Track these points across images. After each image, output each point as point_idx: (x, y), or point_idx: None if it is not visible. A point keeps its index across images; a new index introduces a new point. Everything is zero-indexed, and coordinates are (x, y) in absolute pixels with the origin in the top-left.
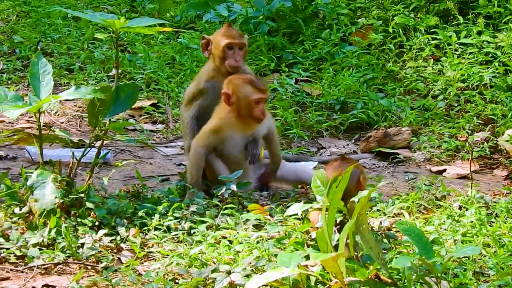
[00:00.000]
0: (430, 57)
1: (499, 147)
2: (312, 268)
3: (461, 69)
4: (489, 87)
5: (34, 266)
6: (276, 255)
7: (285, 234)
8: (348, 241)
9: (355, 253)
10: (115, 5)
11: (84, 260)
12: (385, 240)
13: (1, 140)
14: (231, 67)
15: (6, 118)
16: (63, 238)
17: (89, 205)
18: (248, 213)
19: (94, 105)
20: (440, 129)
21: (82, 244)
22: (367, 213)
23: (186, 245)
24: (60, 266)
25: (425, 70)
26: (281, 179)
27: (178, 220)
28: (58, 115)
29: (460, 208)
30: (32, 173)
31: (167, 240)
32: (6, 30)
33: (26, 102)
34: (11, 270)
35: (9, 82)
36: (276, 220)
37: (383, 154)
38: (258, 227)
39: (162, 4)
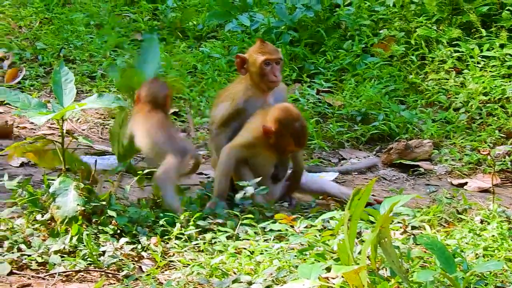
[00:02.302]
0: (452, 69)
1: None
2: (333, 280)
3: (483, 82)
4: (511, 100)
5: (55, 273)
6: (297, 267)
7: (308, 245)
8: (370, 253)
9: (377, 266)
10: (137, 13)
11: (105, 268)
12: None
13: (24, 148)
14: (271, 82)
15: (29, 125)
16: (84, 245)
17: (110, 213)
18: (272, 223)
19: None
20: (462, 142)
21: (103, 252)
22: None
23: (207, 254)
24: (81, 273)
25: (447, 82)
26: (303, 190)
27: (199, 229)
28: (80, 122)
29: (481, 222)
30: (54, 180)
31: (188, 249)
32: (29, 36)
33: (49, 109)
34: (32, 277)
35: (32, 88)
36: (298, 231)
37: (404, 166)
38: (279, 237)
39: (185, 13)
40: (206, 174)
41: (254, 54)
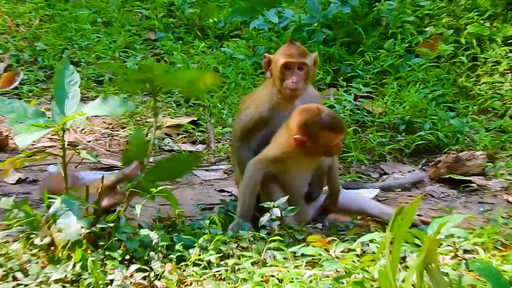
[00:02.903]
0: (508, 71)
1: None
2: None
3: None
4: None
5: None
6: None
7: (345, 272)
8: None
9: None
10: (151, 9)
11: None
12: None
13: (22, 161)
14: (288, 89)
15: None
16: (89, 273)
17: (119, 236)
18: (304, 247)
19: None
20: None
21: (111, 281)
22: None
23: (229, 283)
24: None
25: (501, 86)
26: (340, 209)
27: (221, 254)
28: (85, 132)
29: None
30: (55, 198)
31: (207, 277)
32: (28, 36)
33: (49, 117)
34: None
35: (30, 94)
36: (333, 255)
37: (454, 182)
38: (311, 263)
39: (204, 9)
40: (228, 192)
41: (277, 55)
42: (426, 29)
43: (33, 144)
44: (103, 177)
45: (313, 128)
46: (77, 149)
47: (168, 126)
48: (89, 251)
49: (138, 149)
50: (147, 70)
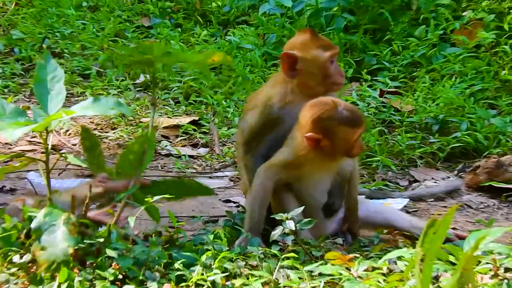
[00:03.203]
0: None
1: None
2: None
3: None
4: None
5: None
6: None
7: None
8: None
9: None
10: None
11: None
12: None
13: (1, 171)
14: (337, 84)
15: (2, 139)
16: None
17: (110, 253)
18: (322, 265)
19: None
20: None
21: None
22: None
23: None
24: None
25: None
26: (363, 222)
27: (227, 274)
28: (69, 134)
29: None
30: (36, 211)
31: None
32: (3, 23)
33: (29, 117)
34: None
35: (6, 90)
36: (356, 275)
37: (495, 190)
38: (331, 283)
39: None
40: (235, 202)
41: (311, 49)
42: (464, 13)
43: (9, 148)
44: (90, 185)
45: (328, 123)
46: (62, 153)
47: (165, 127)
48: (75, 270)
49: (135, 157)
50: (146, 51)
